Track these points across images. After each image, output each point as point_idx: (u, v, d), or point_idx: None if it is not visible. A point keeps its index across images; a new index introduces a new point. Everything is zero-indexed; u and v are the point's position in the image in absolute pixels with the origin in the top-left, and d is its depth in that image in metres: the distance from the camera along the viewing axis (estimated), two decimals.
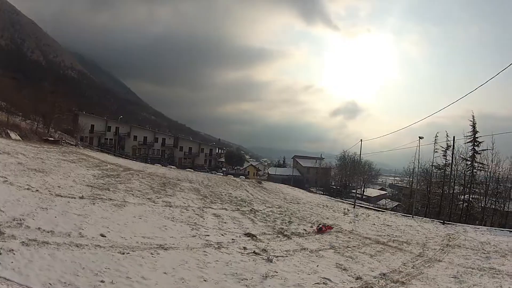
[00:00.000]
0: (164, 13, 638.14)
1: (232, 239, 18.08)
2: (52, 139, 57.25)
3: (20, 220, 12.81)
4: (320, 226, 30.60)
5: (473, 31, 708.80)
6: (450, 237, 30.27)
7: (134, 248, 12.92)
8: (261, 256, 15.34)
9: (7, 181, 19.25)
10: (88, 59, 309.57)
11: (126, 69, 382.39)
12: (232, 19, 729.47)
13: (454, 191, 58.63)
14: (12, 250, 9.96)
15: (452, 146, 53.47)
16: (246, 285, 11.39)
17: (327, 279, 13.58)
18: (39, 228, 12.52)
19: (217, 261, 13.58)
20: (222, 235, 18.84)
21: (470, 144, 58.36)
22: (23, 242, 10.77)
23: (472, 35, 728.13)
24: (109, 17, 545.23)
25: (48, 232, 12.39)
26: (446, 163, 60.00)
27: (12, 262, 9.31)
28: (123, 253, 12.04)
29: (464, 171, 58.89)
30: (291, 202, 46.06)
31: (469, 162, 58.17)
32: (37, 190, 18.88)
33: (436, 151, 61.74)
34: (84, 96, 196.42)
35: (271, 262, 14.71)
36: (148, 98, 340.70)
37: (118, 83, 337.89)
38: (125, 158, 77.79)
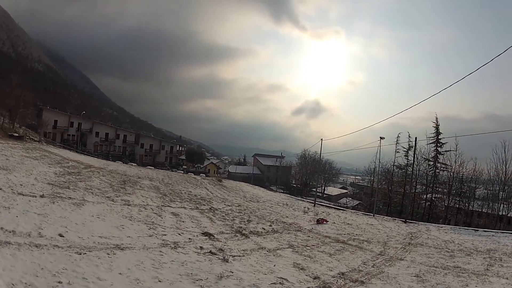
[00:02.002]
0: (134, 6, 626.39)
1: (189, 239, 18.22)
2: (17, 135, 56.25)
3: None
4: (318, 219, 34.43)
5: (440, 37, 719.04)
6: (412, 236, 30.81)
7: (91, 248, 13.04)
8: (217, 256, 15.50)
9: None
10: (55, 53, 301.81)
11: (93, 64, 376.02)
12: (201, 16, 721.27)
13: (416, 191, 60.18)
14: None
15: (414, 147, 55.32)
16: (201, 286, 11.54)
17: (284, 279, 13.75)
18: (1, 227, 12.67)
19: (172, 261, 13.72)
20: (180, 234, 18.99)
21: (433, 145, 60.32)
22: None
23: (439, 41, 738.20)
24: (80, 9, 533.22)
25: (10, 232, 12.54)
26: (408, 163, 61.65)
27: None
28: (80, 254, 12.17)
29: (427, 171, 60.57)
30: (251, 201, 46.51)
31: (431, 163, 59.89)
32: (0, 189, 18.89)
33: (398, 151, 63.68)
34: (48, 91, 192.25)
35: (227, 262, 14.87)
36: (113, 93, 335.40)
37: (83, 77, 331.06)
38: (86, 155, 76.61)
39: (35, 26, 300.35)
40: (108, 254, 12.90)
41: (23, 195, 19.21)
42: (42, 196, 20.06)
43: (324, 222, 34.58)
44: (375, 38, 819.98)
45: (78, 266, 11.03)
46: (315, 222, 34.21)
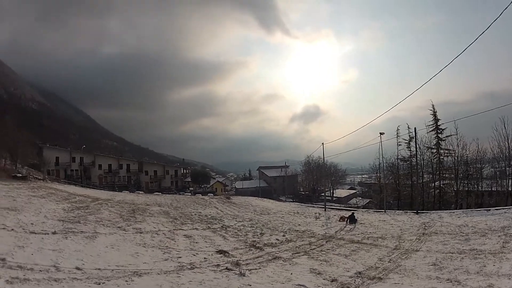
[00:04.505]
0: (114, 32, 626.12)
1: (205, 258, 18.45)
2: (20, 175, 56.42)
3: (1, 260, 13.13)
4: (341, 216, 37.57)
5: (431, 21, 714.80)
6: (425, 226, 31.18)
7: (109, 278, 13.22)
8: (233, 271, 15.68)
9: None
10: (45, 89, 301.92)
11: (83, 95, 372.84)
12: (185, 33, 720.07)
13: (424, 180, 60.57)
14: None
15: (414, 137, 55.46)
16: None
17: (302, 285, 14.02)
18: (19, 266, 12.82)
19: (190, 281, 13.89)
20: (194, 255, 19.19)
21: (434, 132, 60.80)
22: (7, 280, 11.13)
23: (424, 26, 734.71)
24: (58, 41, 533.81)
25: (28, 269, 12.69)
26: (411, 155, 62.05)
27: None
28: (99, 283, 12.35)
29: (431, 159, 61.15)
30: (261, 214, 46.72)
31: (434, 150, 60.43)
32: (12, 229, 19.04)
33: (399, 144, 64.06)
34: (46, 128, 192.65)
35: (244, 276, 15.08)
36: (109, 124, 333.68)
37: (77, 111, 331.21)
38: (92, 188, 76.96)
39: (22, 62, 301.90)
40: (126, 281, 13.09)
41: (36, 233, 19.37)
42: (54, 233, 20.20)
43: (346, 220, 36.44)
44: (363, 32, 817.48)
45: None
46: (340, 220, 37.50)
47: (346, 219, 37.05)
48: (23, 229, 19.89)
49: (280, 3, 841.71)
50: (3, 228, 18.98)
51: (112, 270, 14.45)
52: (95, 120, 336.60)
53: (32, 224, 21.85)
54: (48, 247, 16.66)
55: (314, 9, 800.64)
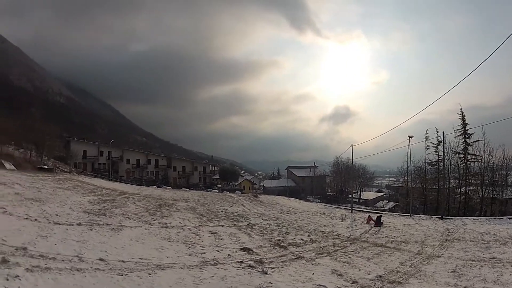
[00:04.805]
0: (145, 28, 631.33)
1: (228, 255, 18.34)
2: (46, 167, 57.21)
3: (23, 248, 13.21)
4: (369, 216, 38.38)
5: (460, 23, 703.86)
6: (449, 232, 30.83)
7: (132, 270, 13.23)
8: (256, 269, 15.59)
9: (6, 211, 19.59)
10: (74, 84, 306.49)
11: (112, 91, 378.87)
12: (217, 32, 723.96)
13: (450, 185, 59.50)
14: (18, 276, 10.36)
15: (442, 141, 54.83)
16: None
17: (322, 286, 13.87)
18: (41, 255, 12.87)
19: (212, 276, 13.82)
20: (219, 251, 19.13)
21: (461, 137, 59.54)
22: (27, 268, 11.12)
23: (459, 26, 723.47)
24: (89, 35, 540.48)
25: (50, 258, 12.74)
26: (439, 159, 60.84)
27: (19, 287, 9.78)
28: (122, 275, 12.35)
29: (458, 164, 59.93)
30: (288, 213, 46.54)
31: (462, 155, 59.15)
32: (36, 219, 19.18)
33: (428, 148, 62.92)
34: (73, 122, 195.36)
35: (266, 274, 14.95)
36: (137, 119, 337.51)
37: (106, 106, 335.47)
38: (119, 182, 77.77)
39: (50, 58, 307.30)
40: (149, 273, 13.08)
41: (60, 224, 19.51)
42: (79, 224, 20.33)
43: (373, 221, 36.94)
44: (393, 33, 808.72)
45: (120, 286, 11.26)
46: (367, 220, 38.31)
47: (373, 220, 36.98)
48: (47, 219, 20.02)
49: (310, 3, 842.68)
50: (26, 218, 19.12)
51: (136, 262, 14.47)
52: (124, 115, 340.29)
53: (56, 215, 22.01)
54: (72, 238, 16.75)
55: (344, 10, 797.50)
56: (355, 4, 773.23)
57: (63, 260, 12.93)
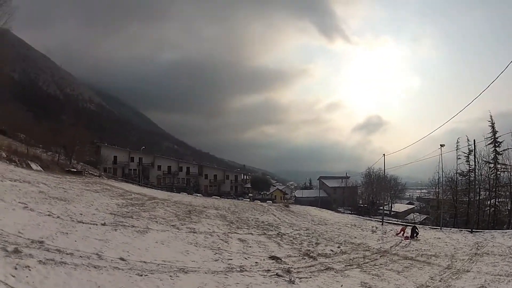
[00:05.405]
0: (176, 37, 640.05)
1: (256, 262, 18.11)
2: (75, 170, 58.03)
3: (39, 242, 13.07)
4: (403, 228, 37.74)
5: (484, 26, 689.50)
6: (478, 246, 31.28)
7: (153, 271, 13.03)
8: (283, 278, 15.36)
9: (27, 207, 19.51)
10: (104, 91, 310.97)
11: (143, 99, 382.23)
12: (248, 41, 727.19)
13: (480, 197, 58.22)
14: (28, 266, 10.21)
15: (473, 150, 54.90)
16: None
17: None
18: (58, 250, 12.72)
19: (237, 283, 13.67)
20: (246, 258, 18.91)
21: (491, 145, 58.11)
22: (41, 261, 10.98)
23: (485, 29, 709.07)
24: (118, 44, 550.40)
25: (67, 254, 12.57)
26: (469, 169, 59.93)
27: (27, 277, 9.61)
28: (141, 275, 12.17)
29: (488, 174, 58.46)
30: (318, 224, 46.56)
31: (492, 165, 57.78)
32: (58, 217, 19.12)
33: (459, 158, 61.39)
34: (104, 129, 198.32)
35: (293, 283, 14.80)
36: (169, 127, 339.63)
37: (137, 113, 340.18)
38: (150, 187, 78.54)
39: (79, 66, 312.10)
40: (170, 276, 12.89)
41: (83, 223, 19.43)
42: (103, 224, 20.24)
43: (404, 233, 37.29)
44: (422, 38, 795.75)
45: (137, 286, 11.10)
46: (402, 230, 38.40)
47: (405, 231, 37.29)
48: (71, 218, 19.95)
49: (338, 10, 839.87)
50: (48, 215, 19.06)
51: (158, 264, 14.24)
52: (156, 123, 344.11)
53: (81, 214, 21.97)
54: (94, 236, 16.61)
55: (372, 15, 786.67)
56: (382, 9, 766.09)
57: (80, 257, 12.76)
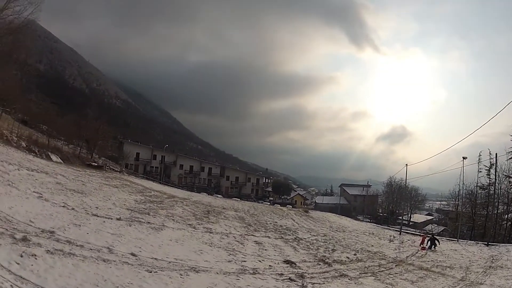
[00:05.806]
0: (204, 39, 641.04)
1: (270, 266, 17.98)
2: (96, 164, 58.59)
3: (50, 232, 13.13)
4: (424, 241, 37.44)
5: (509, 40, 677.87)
6: (493, 259, 31.28)
7: (163, 268, 13.00)
8: (296, 283, 15.21)
9: (42, 197, 19.75)
10: (131, 88, 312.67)
11: (170, 99, 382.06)
12: (278, 46, 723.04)
13: (498, 211, 57.85)
14: (35, 255, 10.24)
15: (495, 163, 54.53)
16: None
17: None
18: (68, 241, 12.78)
19: (248, 285, 13.57)
20: (260, 261, 18.81)
21: None
22: (48, 250, 11.03)
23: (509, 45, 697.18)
24: (146, 43, 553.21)
25: (77, 246, 12.62)
26: (490, 183, 59.55)
27: (32, 265, 9.61)
28: (151, 272, 12.12)
29: (508, 188, 57.97)
30: (337, 231, 46.51)
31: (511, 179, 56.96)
32: (73, 209, 19.31)
33: (480, 171, 61.03)
34: (129, 125, 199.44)
35: None
36: (194, 128, 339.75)
37: (163, 112, 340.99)
38: (170, 186, 78.61)
39: (106, 62, 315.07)
40: (180, 274, 12.84)
41: (98, 216, 19.58)
42: (118, 219, 20.38)
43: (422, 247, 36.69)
44: (451, 51, 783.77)
45: (145, 283, 10.96)
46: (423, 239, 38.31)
47: (426, 243, 37.15)
48: (86, 210, 20.16)
49: (369, 20, 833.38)
50: (63, 206, 19.27)
51: (169, 262, 14.21)
52: (182, 123, 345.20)
53: (97, 207, 22.19)
54: (107, 230, 16.72)
55: (402, 27, 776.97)
56: (413, 21, 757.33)
57: (90, 249, 12.80)
